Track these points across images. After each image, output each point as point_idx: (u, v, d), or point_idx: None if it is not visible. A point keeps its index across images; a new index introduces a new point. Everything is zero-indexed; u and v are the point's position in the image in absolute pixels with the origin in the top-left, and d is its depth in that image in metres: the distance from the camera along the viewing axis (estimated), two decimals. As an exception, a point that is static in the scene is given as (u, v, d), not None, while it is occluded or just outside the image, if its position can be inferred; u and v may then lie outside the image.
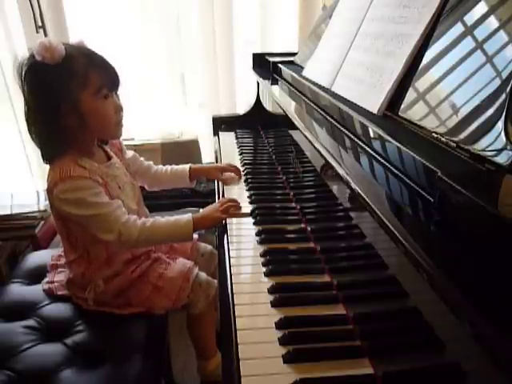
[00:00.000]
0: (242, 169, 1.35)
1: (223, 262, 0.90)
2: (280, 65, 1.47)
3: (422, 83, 0.71)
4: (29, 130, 0.96)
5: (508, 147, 0.48)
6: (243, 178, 1.30)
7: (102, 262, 1.05)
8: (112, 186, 1.01)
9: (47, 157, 0.99)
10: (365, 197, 0.60)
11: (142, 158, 1.27)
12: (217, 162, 1.47)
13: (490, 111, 0.53)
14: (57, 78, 0.90)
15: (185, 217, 1.03)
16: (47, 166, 1.00)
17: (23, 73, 0.92)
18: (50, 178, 0.96)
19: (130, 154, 1.22)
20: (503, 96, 0.52)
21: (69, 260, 1.07)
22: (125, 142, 1.21)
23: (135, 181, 1.17)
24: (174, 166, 1.31)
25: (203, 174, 1.35)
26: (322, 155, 0.80)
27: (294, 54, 1.53)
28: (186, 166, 1.31)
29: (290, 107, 1.16)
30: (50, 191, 0.95)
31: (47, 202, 1.78)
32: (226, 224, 1.04)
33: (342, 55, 1.01)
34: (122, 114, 1.02)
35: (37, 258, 1.27)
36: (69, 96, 0.92)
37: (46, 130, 0.95)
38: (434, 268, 0.43)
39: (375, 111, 0.78)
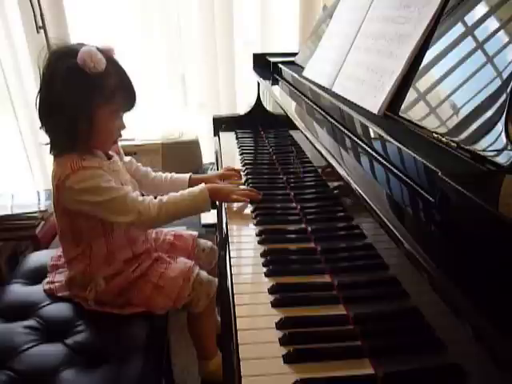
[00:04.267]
0: (242, 169, 1.35)
1: (224, 262, 0.90)
2: (280, 65, 1.48)
3: (422, 83, 0.71)
4: (41, 120, 0.98)
5: (508, 147, 0.48)
6: (244, 178, 1.30)
7: (103, 259, 1.05)
8: (116, 181, 1.02)
9: (57, 150, 1.00)
10: (365, 197, 0.60)
11: (139, 164, 1.28)
12: (217, 163, 1.47)
13: (491, 111, 0.53)
14: (87, 87, 0.93)
15: (198, 186, 1.08)
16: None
17: (60, 66, 0.93)
18: (58, 172, 0.97)
19: (126, 159, 1.23)
20: (503, 96, 0.52)
21: (69, 258, 1.07)
22: (125, 143, 1.21)
23: (135, 180, 1.17)
24: (174, 174, 1.30)
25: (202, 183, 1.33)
26: (322, 155, 0.81)
27: (294, 55, 1.53)
28: (187, 176, 1.30)
29: (291, 107, 1.16)
30: (60, 185, 0.96)
31: (48, 201, 1.78)
32: (226, 224, 1.04)
33: (343, 55, 1.01)
34: (121, 133, 1.06)
35: (37, 258, 1.27)
36: (89, 105, 0.94)
37: (61, 127, 0.96)
38: (434, 268, 0.43)
39: (376, 111, 0.78)
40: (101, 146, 1.06)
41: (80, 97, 0.93)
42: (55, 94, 0.94)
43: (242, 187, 1.17)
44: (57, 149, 1.00)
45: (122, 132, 1.07)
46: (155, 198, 1.04)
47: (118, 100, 0.98)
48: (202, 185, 1.08)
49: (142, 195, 1.10)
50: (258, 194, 1.12)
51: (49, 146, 1.01)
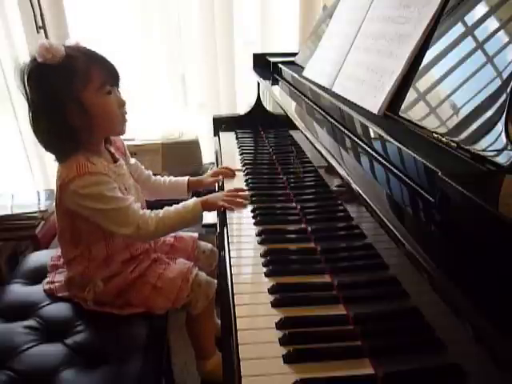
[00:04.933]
0: (242, 169, 1.35)
1: (223, 262, 0.90)
2: (280, 65, 1.48)
3: (422, 83, 0.71)
4: (34, 131, 0.97)
5: (508, 147, 0.48)
6: (244, 178, 1.30)
7: (101, 260, 1.05)
8: (120, 187, 1.02)
9: (59, 156, 0.99)
10: (365, 197, 0.60)
11: (142, 167, 1.28)
12: (217, 163, 1.48)
13: (491, 111, 0.53)
14: (60, 78, 0.92)
15: (191, 200, 1.09)
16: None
17: (26, 76, 0.93)
18: (63, 174, 0.96)
19: (132, 161, 1.23)
20: (503, 96, 0.52)
21: (68, 259, 1.07)
22: (125, 143, 1.21)
23: (138, 184, 1.18)
24: (173, 178, 1.32)
25: (199, 185, 1.35)
26: (322, 155, 0.81)
27: (294, 55, 1.53)
28: (185, 179, 1.32)
29: (291, 107, 1.16)
30: (64, 186, 0.95)
31: (48, 201, 1.78)
32: (226, 224, 1.04)
33: (343, 55, 1.01)
34: (125, 109, 1.04)
35: (37, 258, 1.27)
36: (73, 94, 0.93)
37: (54, 131, 0.95)
38: (434, 268, 0.43)
39: (376, 111, 0.78)
40: (110, 131, 1.06)
41: (58, 91, 0.92)
42: (37, 102, 0.94)
43: (227, 192, 1.15)
44: (62, 156, 0.99)
45: (126, 129, 1.07)
46: (152, 209, 1.05)
47: (95, 76, 0.95)
48: (195, 198, 1.10)
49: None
50: (244, 193, 1.14)
51: (55, 158, 1.00)
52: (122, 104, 1.02)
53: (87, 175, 0.94)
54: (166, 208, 1.06)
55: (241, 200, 1.11)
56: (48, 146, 0.99)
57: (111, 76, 0.99)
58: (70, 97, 0.93)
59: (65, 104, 0.93)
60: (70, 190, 0.94)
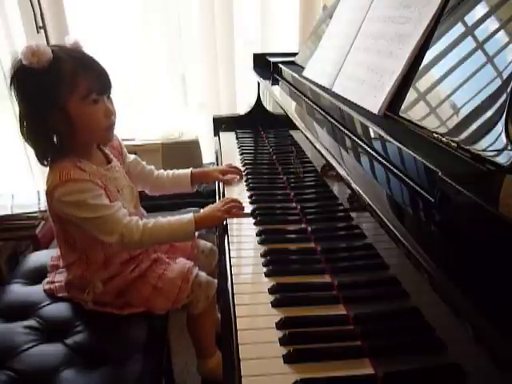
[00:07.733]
0: (242, 169, 1.35)
1: (224, 262, 0.90)
2: (280, 65, 1.48)
3: (422, 83, 0.71)
4: (21, 132, 0.95)
5: (509, 147, 0.48)
6: (244, 178, 1.30)
7: (100, 264, 1.04)
8: (111, 190, 1.01)
9: (44, 159, 0.98)
10: (365, 197, 0.60)
11: (143, 163, 1.26)
12: (217, 163, 1.47)
13: (491, 111, 0.53)
14: (44, 83, 0.89)
15: (186, 216, 1.03)
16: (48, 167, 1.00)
17: (12, 78, 0.91)
18: (49, 180, 0.95)
19: (131, 157, 1.22)
20: (504, 96, 0.52)
21: (67, 263, 1.07)
22: (125, 143, 1.21)
23: (134, 184, 1.16)
24: (176, 171, 1.29)
25: (204, 178, 1.32)
26: (322, 155, 0.81)
27: (294, 55, 1.53)
28: (188, 171, 1.29)
29: (291, 107, 1.16)
30: (49, 194, 0.94)
31: (47, 202, 1.78)
32: (226, 224, 1.04)
33: (343, 55, 1.01)
34: (114, 119, 0.99)
35: (37, 258, 1.27)
36: (56, 100, 0.90)
37: (37, 134, 0.94)
38: (434, 268, 0.43)
39: (376, 111, 0.78)
40: (94, 140, 1.02)
41: (40, 96, 0.89)
42: (21, 106, 0.93)
43: (222, 203, 1.09)
44: (45, 159, 0.98)
45: (113, 136, 1.04)
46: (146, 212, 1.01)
47: (81, 83, 0.90)
48: (191, 215, 1.03)
49: (145, 204, 1.07)
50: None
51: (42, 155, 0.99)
52: (109, 114, 0.96)
53: (70, 182, 0.92)
54: (158, 218, 1.02)
55: (240, 207, 1.07)
56: (33, 147, 0.97)
57: (99, 84, 0.94)
58: (53, 103, 0.90)
59: (47, 109, 0.90)
60: (54, 197, 0.93)
